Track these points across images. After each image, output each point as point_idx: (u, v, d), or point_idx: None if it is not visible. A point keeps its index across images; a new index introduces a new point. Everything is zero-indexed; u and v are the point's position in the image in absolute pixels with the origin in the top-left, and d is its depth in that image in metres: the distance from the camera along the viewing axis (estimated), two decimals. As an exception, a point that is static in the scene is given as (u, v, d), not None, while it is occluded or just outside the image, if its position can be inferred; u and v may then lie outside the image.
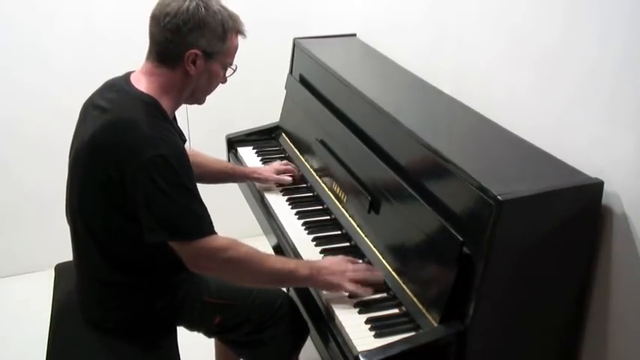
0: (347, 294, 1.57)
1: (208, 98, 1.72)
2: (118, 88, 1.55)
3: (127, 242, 1.54)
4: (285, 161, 2.22)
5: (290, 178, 2.13)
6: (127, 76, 1.58)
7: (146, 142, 1.44)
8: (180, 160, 1.47)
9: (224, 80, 1.66)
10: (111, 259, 1.58)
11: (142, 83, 1.54)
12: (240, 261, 1.53)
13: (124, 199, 1.47)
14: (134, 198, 1.46)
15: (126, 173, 1.44)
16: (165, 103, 1.54)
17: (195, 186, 1.53)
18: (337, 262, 1.61)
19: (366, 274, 1.60)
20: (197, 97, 1.64)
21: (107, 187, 1.48)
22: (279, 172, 2.14)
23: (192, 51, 1.52)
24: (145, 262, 1.59)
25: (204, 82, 1.60)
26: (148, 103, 1.51)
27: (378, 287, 1.59)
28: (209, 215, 1.52)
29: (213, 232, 1.51)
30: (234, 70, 1.66)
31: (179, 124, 1.67)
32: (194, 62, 1.53)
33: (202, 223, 1.50)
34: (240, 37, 1.63)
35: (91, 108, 1.57)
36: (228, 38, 1.57)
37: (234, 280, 1.65)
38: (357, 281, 1.57)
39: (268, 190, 2.14)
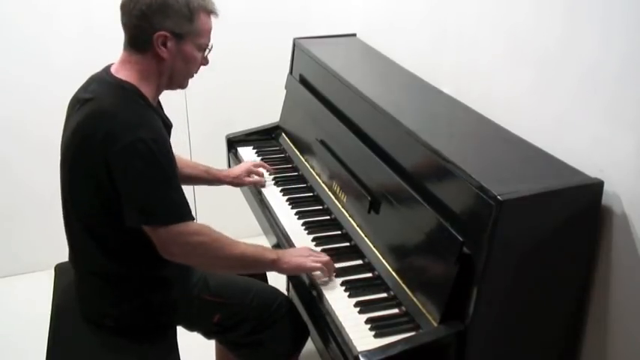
0: (326, 279, 1.65)
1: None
2: (99, 79, 1.59)
3: (118, 230, 1.55)
4: (256, 161, 2.25)
5: (263, 180, 2.16)
6: (108, 67, 1.61)
7: (126, 127, 1.46)
8: (160, 145, 1.49)
9: (205, 62, 1.66)
10: (104, 248, 1.60)
11: (121, 72, 1.57)
12: (210, 246, 1.57)
13: (111, 186, 1.50)
14: (117, 183, 1.48)
15: (109, 159, 1.47)
16: (145, 89, 1.56)
17: (175, 171, 1.55)
18: (301, 247, 1.74)
19: (328, 261, 1.66)
20: (178, 81, 1.65)
21: (95, 176, 1.51)
22: (251, 172, 2.17)
23: (160, 33, 1.53)
24: (138, 250, 1.59)
25: (180, 64, 1.60)
26: (128, 89, 1.54)
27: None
28: (187, 201, 1.55)
29: (188, 219, 1.54)
30: (210, 50, 1.65)
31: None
32: (164, 45, 1.54)
33: (178, 209, 1.52)
34: (212, 17, 1.62)
35: (75, 102, 1.60)
36: (195, 18, 1.57)
37: (204, 265, 1.69)
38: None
39: (268, 189, 2.15)
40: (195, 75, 1.67)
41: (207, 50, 1.65)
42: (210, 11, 1.61)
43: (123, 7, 1.55)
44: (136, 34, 1.55)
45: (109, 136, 1.46)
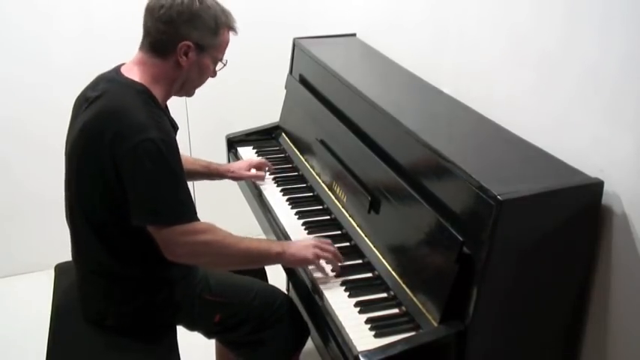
0: (333, 274, 1.66)
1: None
2: (108, 78, 1.59)
3: (125, 230, 1.56)
4: (259, 158, 2.28)
5: (263, 174, 2.18)
6: (118, 67, 1.62)
7: (136, 126, 1.47)
8: (168, 145, 1.50)
9: (214, 74, 1.69)
10: (110, 249, 1.60)
11: (133, 73, 1.58)
12: (215, 244, 1.58)
13: (118, 186, 1.50)
14: (125, 182, 1.49)
15: (117, 159, 1.47)
16: (156, 91, 1.58)
17: (183, 172, 1.56)
18: (305, 238, 1.76)
19: (332, 248, 1.68)
20: (187, 90, 1.68)
21: (102, 174, 1.51)
22: (251, 167, 2.19)
23: (185, 43, 1.55)
24: (144, 251, 1.59)
25: (194, 74, 1.63)
26: (139, 90, 1.54)
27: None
28: (192, 202, 1.56)
29: (193, 219, 1.54)
30: (224, 65, 1.69)
31: (175, 118, 1.70)
32: (186, 54, 1.57)
33: (184, 210, 1.53)
34: (231, 34, 1.66)
35: (83, 101, 1.60)
36: (220, 33, 1.61)
37: (210, 264, 1.70)
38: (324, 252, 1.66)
39: (268, 189, 2.15)
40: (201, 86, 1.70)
41: (222, 65, 1.68)
42: (232, 29, 1.65)
43: (150, 11, 1.56)
44: (159, 39, 1.56)
45: (117, 136, 1.46)
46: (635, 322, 1.41)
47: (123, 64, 1.63)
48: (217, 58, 1.65)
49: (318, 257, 1.65)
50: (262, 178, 2.18)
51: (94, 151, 1.51)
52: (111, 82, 1.57)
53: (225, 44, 1.65)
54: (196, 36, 1.56)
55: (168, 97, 1.65)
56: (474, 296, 1.35)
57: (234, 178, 2.19)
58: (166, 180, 1.50)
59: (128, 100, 1.52)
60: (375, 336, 1.45)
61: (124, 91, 1.54)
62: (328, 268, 1.67)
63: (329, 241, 1.72)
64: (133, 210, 1.50)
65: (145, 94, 1.55)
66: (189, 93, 1.69)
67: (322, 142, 2.09)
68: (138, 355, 1.63)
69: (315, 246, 1.66)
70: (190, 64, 1.58)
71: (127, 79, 1.56)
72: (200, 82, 1.68)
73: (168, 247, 1.54)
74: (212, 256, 1.60)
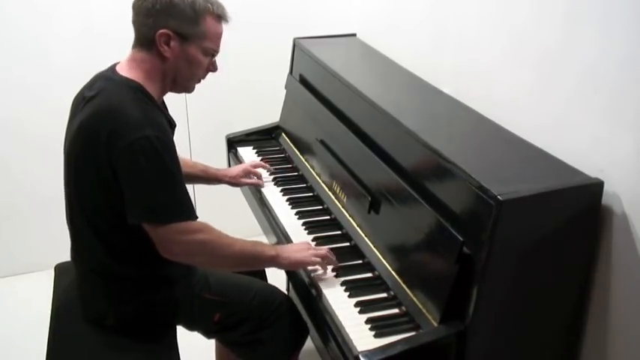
0: (330, 274, 1.67)
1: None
2: (105, 77, 1.60)
3: (123, 229, 1.55)
4: (255, 161, 2.27)
5: (261, 182, 2.17)
6: (113, 66, 1.62)
7: (131, 124, 1.47)
8: (164, 143, 1.50)
9: (213, 68, 1.66)
10: (109, 248, 1.60)
11: (126, 70, 1.58)
12: (210, 244, 1.58)
13: (115, 184, 1.50)
14: (121, 180, 1.49)
15: (113, 156, 1.47)
16: (150, 87, 1.58)
17: (179, 169, 1.55)
18: (300, 243, 1.75)
19: (326, 254, 1.69)
20: (182, 84, 1.65)
21: (100, 174, 1.51)
22: (248, 172, 2.18)
23: (162, 31, 1.53)
24: (143, 249, 1.59)
25: (184, 66, 1.59)
26: (133, 87, 1.55)
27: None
28: (190, 200, 1.56)
29: (190, 218, 1.54)
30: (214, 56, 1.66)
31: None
32: (167, 43, 1.55)
33: (180, 208, 1.53)
34: (223, 24, 1.62)
35: (80, 100, 1.61)
36: (201, 21, 1.56)
37: (204, 263, 1.70)
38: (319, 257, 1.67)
39: (268, 189, 2.15)
40: (202, 80, 1.68)
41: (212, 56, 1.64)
42: (218, 16, 1.60)
43: (133, 6, 1.57)
44: (142, 32, 1.56)
45: (113, 134, 1.47)
46: (635, 322, 1.41)
47: (118, 62, 1.63)
48: (207, 48, 1.60)
49: (315, 257, 1.66)
50: (260, 186, 2.16)
51: (91, 149, 1.51)
52: (107, 81, 1.58)
53: (213, 33, 1.59)
54: (174, 24, 1.53)
55: (163, 92, 1.64)
56: (474, 296, 1.35)
57: (232, 184, 2.18)
58: (162, 178, 1.50)
59: (124, 98, 1.52)
60: (375, 336, 1.45)
61: (119, 89, 1.54)
62: (325, 268, 1.68)
63: (323, 249, 1.72)
64: (128, 208, 1.51)
65: (140, 91, 1.55)
66: (186, 88, 1.67)
67: (322, 142, 2.09)
68: (138, 355, 1.63)
69: (309, 248, 1.69)
70: (175, 55, 1.56)
71: (121, 77, 1.57)
72: (193, 74, 1.63)
73: (164, 245, 1.54)
74: (207, 255, 1.61)
